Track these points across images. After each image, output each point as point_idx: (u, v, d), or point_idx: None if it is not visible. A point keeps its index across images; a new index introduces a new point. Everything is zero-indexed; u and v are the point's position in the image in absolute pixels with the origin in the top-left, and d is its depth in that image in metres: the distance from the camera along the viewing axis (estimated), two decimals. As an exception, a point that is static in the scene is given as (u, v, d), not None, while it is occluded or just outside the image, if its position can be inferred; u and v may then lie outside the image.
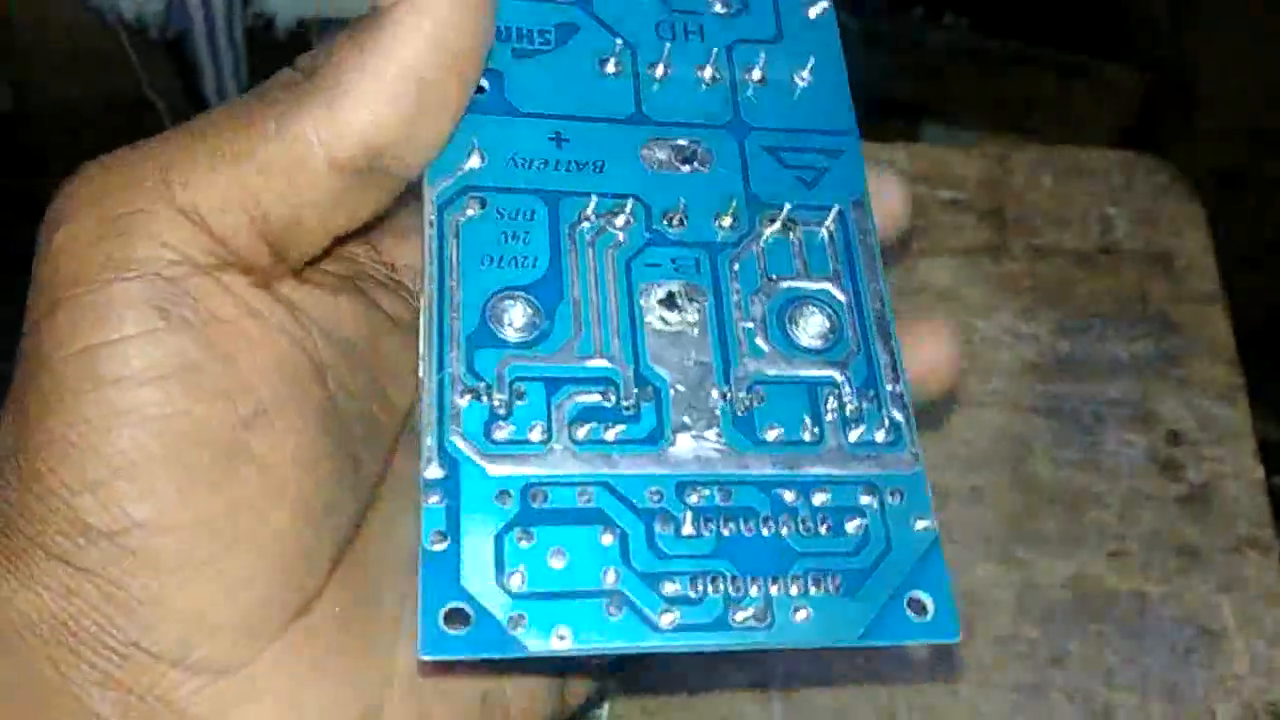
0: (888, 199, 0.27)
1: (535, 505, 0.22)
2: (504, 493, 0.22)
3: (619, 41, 0.27)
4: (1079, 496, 0.41)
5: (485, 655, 0.21)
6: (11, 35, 0.73)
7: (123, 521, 0.20)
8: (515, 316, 0.23)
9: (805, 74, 0.27)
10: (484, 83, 0.25)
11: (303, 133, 0.21)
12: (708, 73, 0.27)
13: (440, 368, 0.22)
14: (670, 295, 0.24)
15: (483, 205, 0.24)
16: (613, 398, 0.23)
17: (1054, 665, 0.39)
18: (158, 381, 0.20)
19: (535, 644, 0.21)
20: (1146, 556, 0.41)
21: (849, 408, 0.24)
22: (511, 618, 0.21)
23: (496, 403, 0.22)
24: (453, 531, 0.21)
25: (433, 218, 0.24)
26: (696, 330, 0.24)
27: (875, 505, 0.23)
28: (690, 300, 0.24)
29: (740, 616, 0.22)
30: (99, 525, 0.19)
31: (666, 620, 0.22)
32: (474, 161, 0.24)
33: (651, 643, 0.22)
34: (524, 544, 0.21)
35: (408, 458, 0.24)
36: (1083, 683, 0.38)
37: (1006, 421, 0.43)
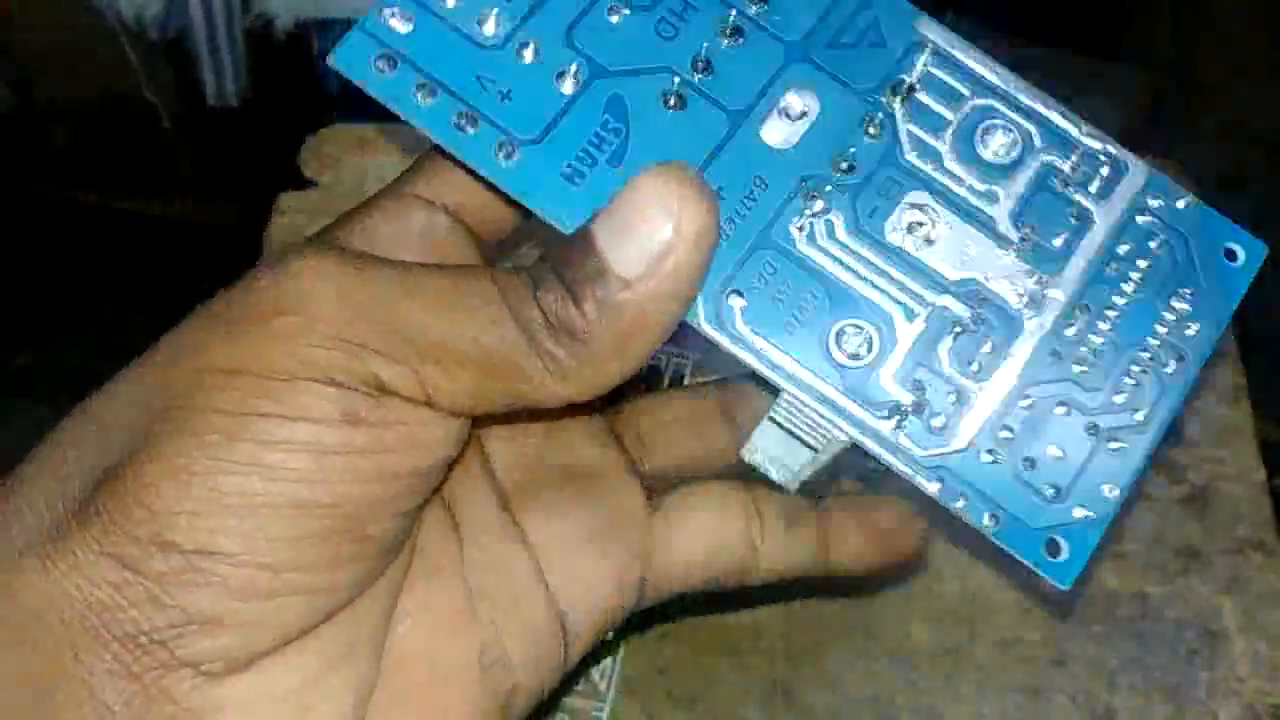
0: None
1: None
2: None
3: None
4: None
5: None
6: (10, 35, 0.73)
7: (200, 546, 0.21)
8: None
9: None
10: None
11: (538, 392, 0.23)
12: None
13: None
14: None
15: None
16: None
17: (1056, 667, 0.39)
18: (303, 447, 0.21)
19: None
20: (1148, 558, 0.40)
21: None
22: None
23: None
24: None
25: None
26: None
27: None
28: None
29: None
30: (177, 541, 0.20)
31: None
32: None
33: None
34: None
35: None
36: (1085, 684, 0.38)
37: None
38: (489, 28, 0.25)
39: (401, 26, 0.24)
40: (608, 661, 0.38)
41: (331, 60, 0.24)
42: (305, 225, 0.46)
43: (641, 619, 0.33)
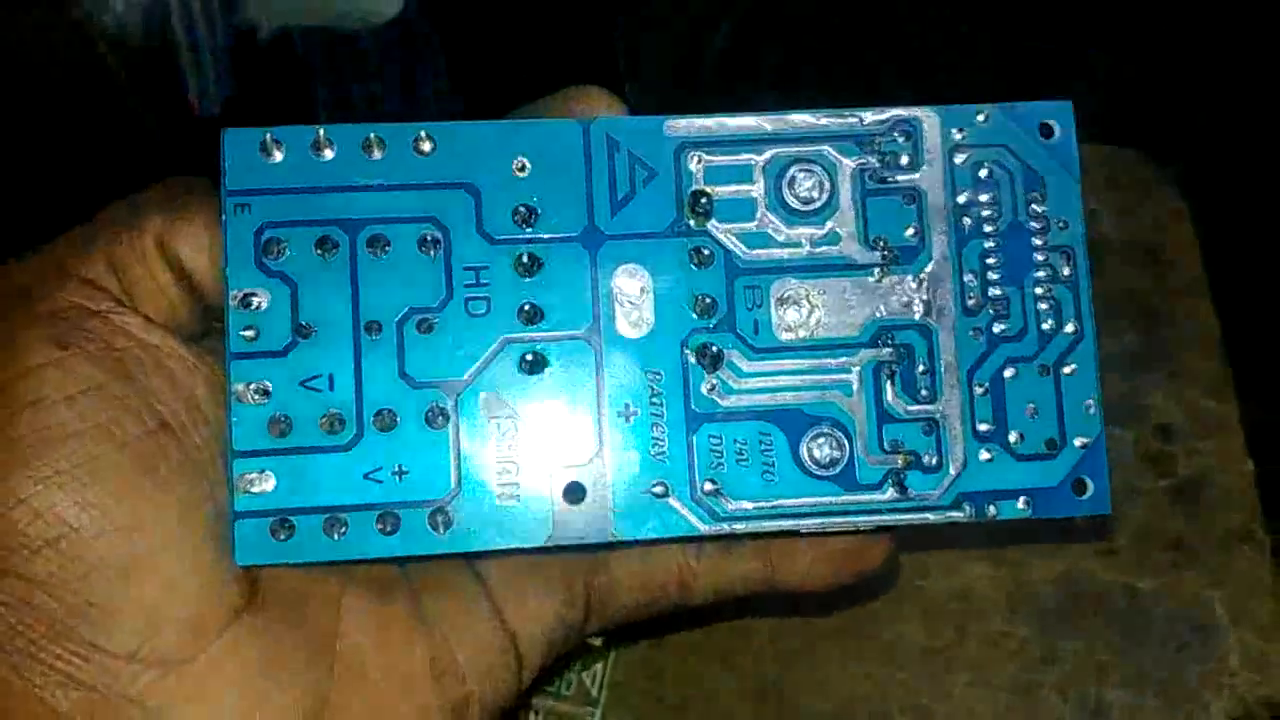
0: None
1: None
2: None
3: None
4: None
5: None
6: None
7: (59, 529, 0.21)
8: None
9: None
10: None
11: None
12: None
13: None
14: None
15: None
16: None
17: (1047, 663, 0.39)
18: (68, 401, 0.22)
19: None
20: (1137, 552, 0.40)
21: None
22: None
23: None
24: None
25: None
26: None
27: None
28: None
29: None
30: (38, 534, 0.21)
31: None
32: None
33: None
34: None
35: None
36: (1076, 680, 0.38)
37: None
38: (336, 427, 0.24)
39: (266, 484, 0.24)
40: (598, 667, 0.38)
41: (240, 561, 0.23)
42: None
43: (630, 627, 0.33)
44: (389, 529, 0.24)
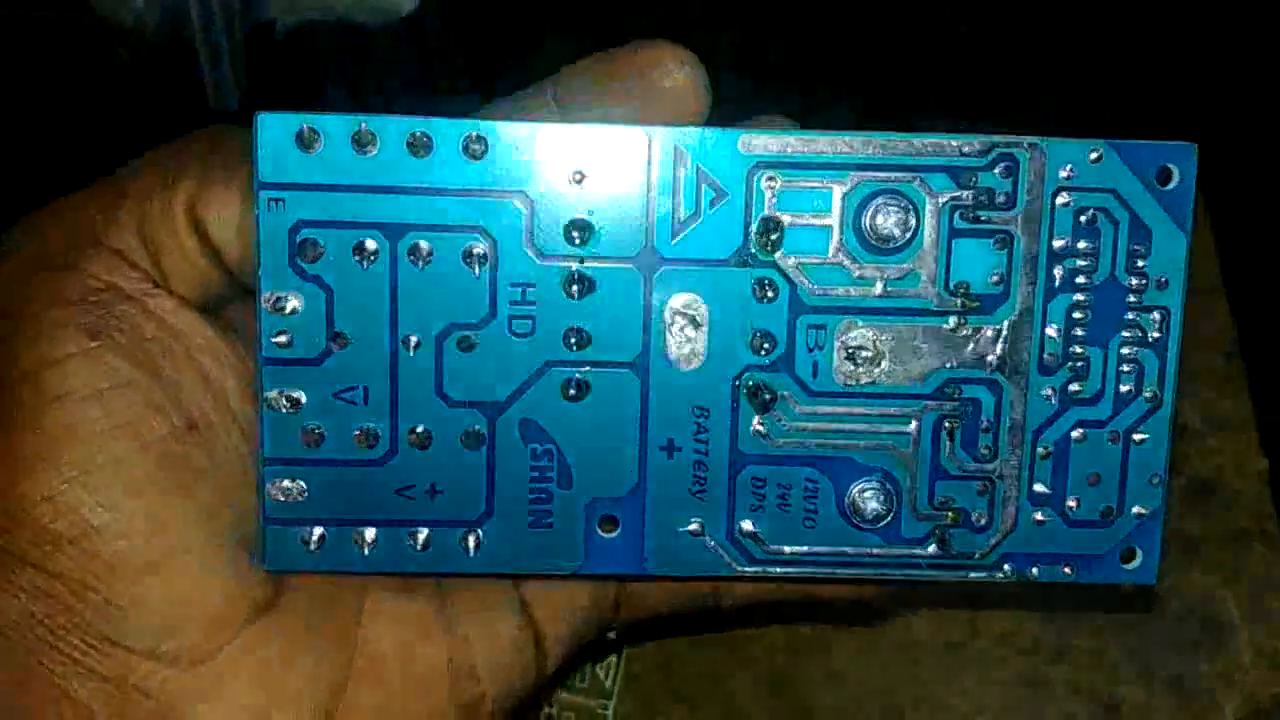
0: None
1: None
2: None
3: None
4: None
5: None
6: (9, 42, 0.73)
7: (82, 527, 0.21)
8: None
9: None
10: None
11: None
12: None
13: None
14: None
15: None
16: None
17: (1058, 659, 0.39)
18: (95, 397, 0.22)
19: None
20: (1149, 549, 0.40)
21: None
22: None
23: None
24: None
25: None
26: None
27: None
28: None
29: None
30: (62, 531, 0.21)
31: None
32: None
33: None
34: None
35: None
36: (1087, 676, 0.38)
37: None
38: (370, 441, 0.23)
39: (297, 492, 0.23)
40: (612, 659, 0.38)
41: (269, 568, 0.23)
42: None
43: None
44: (419, 546, 0.24)
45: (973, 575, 0.25)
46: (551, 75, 0.24)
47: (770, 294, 0.24)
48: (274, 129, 0.22)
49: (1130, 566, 0.25)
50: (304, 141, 0.22)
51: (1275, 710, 0.38)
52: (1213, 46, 0.47)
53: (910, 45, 0.46)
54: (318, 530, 0.23)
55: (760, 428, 0.24)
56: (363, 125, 0.22)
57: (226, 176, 0.23)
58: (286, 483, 0.23)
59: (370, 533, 0.24)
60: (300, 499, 0.23)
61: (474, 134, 0.23)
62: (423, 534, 0.24)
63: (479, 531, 0.24)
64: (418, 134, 0.22)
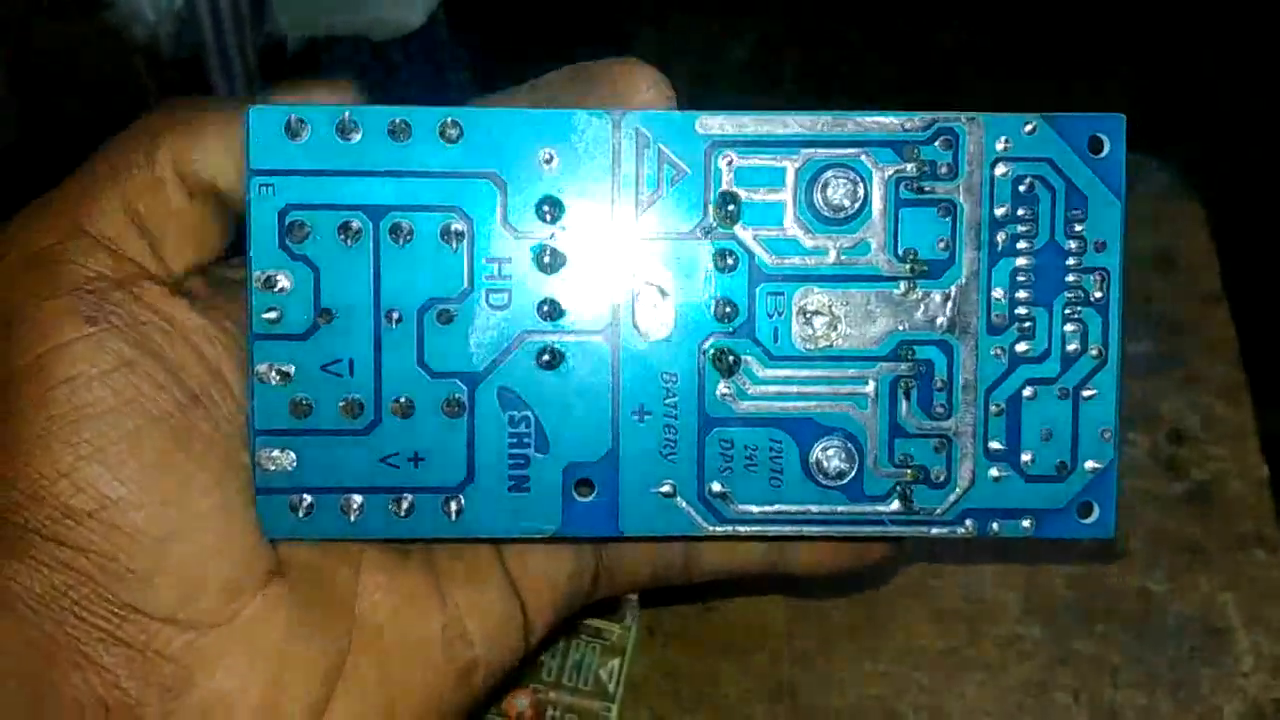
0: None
1: None
2: None
3: None
4: (1083, 496, 0.41)
5: None
6: (26, 57, 0.74)
7: (100, 501, 0.22)
8: None
9: None
10: None
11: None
12: None
13: None
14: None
15: None
16: None
17: (1060, 664, 0.39)
18: (101, 377, 0.23)
19: None
20: (1150, 555, 0.41)
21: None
22: None
23: None
24: None
25: None
26: None
27: None
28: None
29: None
30: (80, 506, 0.22)
31: None
32: None
33: None
34: None
35: None
36: (1088, 682, 0.39)
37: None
38: (355, 412, 0.24)
39: (286, 462, 0.24)
40: (615, 663, 0.38)
41: (265, 533, 0.24)
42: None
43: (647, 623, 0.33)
44: (403, 512, 0.25)
45: (934, 531, 0.26)
46: (530, 81, 0.26)
47: (731, 262, 0.25)
48: (264, 120, 0.24)
49: (1088, 521, 0.26)
50: (292, 131, 0.24)
51: (1276, 715, 0.38)
52: (1213, 49, 0.48)
53: (910, 46, 0.46)
54: (307, 498, 0.24)
55: (726, 391, 0.25)
56: (346, 114, 0.24)
57: (201, 114, 0.24)
58: (277, 453, 0.24)
59: (357, 499, 0.25)
60: (290, 468, 0.24)
61: (449, 119, 0.24)
62: (407, 500, 0.25)
63: (460, 497, 0.25)
64: (397, 121, 0.24)
